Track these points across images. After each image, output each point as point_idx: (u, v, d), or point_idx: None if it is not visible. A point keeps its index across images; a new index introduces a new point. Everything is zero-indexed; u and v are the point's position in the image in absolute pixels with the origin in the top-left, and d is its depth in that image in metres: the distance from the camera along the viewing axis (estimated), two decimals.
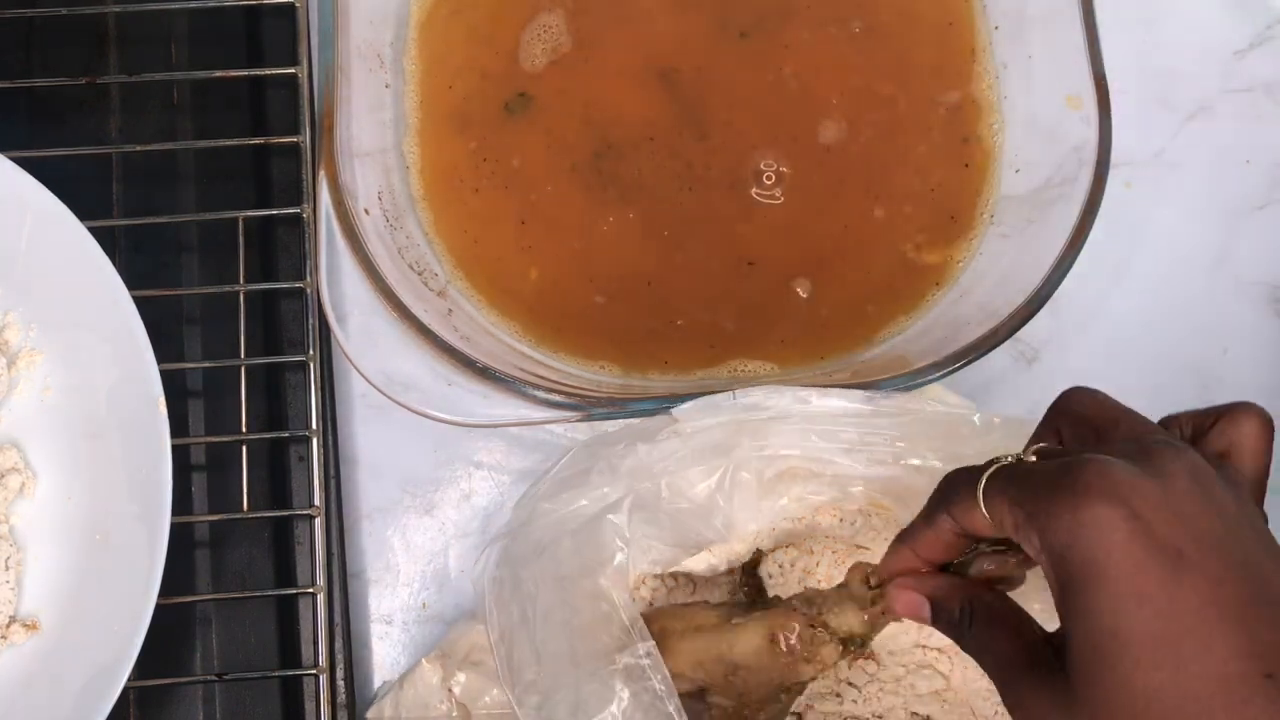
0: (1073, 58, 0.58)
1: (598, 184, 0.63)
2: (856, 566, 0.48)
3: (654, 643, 0.47)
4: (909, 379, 0.54)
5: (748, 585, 0.54)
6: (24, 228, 0.57)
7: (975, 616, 0.42)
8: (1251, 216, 0.67)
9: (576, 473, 0.52)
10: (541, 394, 0.54)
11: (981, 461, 0.41)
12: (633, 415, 0.54)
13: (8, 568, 0.55)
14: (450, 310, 0.59)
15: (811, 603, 0.48)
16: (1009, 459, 0.41)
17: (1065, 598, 0.37)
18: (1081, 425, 0.42)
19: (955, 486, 0.42)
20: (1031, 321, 0.55)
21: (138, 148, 0.63)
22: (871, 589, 0.47)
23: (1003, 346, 0.55)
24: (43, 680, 0.54)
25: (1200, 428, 0.42)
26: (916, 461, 0.51)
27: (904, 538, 0.45)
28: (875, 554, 0.52)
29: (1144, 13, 0.69)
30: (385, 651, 0.60)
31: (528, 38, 0.65)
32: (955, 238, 0.62)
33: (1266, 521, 0.40)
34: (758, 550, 0.55)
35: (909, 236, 0.63)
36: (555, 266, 0.62)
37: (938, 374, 0.54)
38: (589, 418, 0.55)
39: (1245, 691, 0.34)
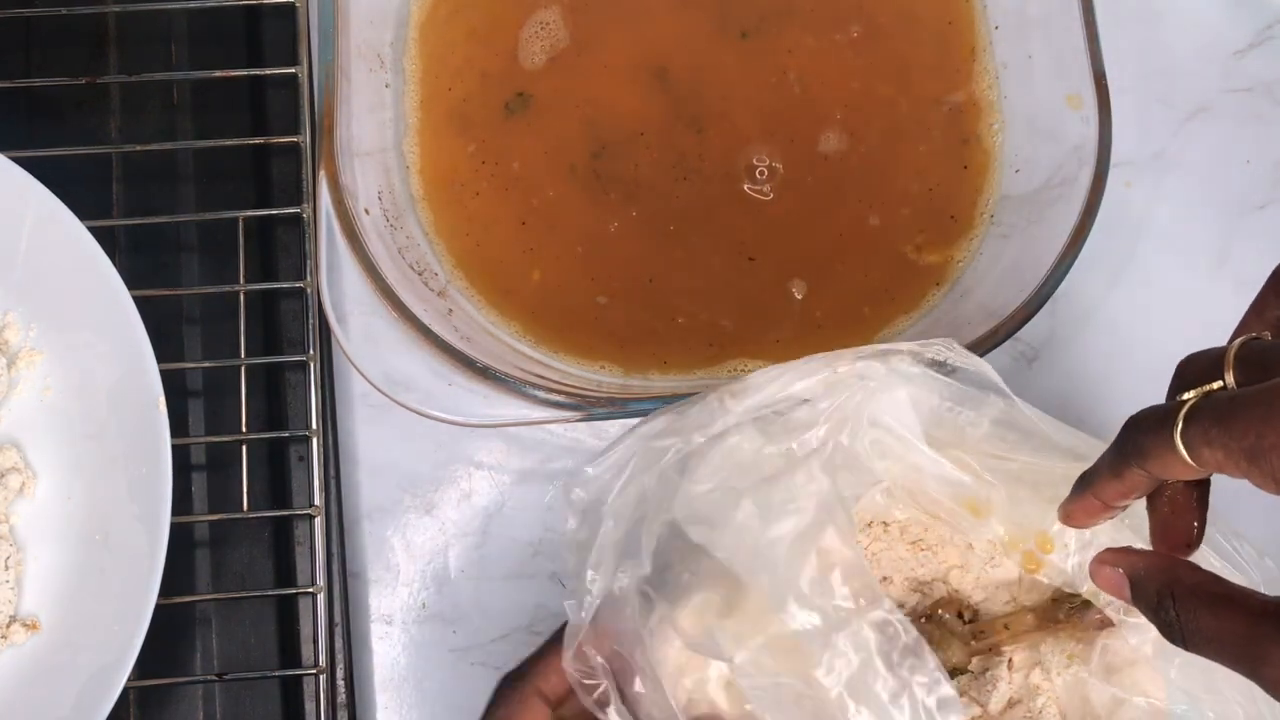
0: (1073, 57, 0.58)
1: (597, 184, 0.63)
2: (950, 601, 0.51)
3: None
4: None
5: None
6: (24, 228, 0.57)
7: (1180, 602, 0.36)
8: (1251, 216, 0.67)
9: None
10: (541, 394, 0.54)
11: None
12: (632, 415, 0.54)
13: (8, 568, 0.55)
14: (450, 310, 0.59)
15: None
16: (1202, 392, 0.36)
17: None
18: None
19: (1145, 433, 0.37)
20: (1031, 321, 0.55)
21: (138, 148, 0.63)
22: (966, 624, 0.50)
23: (1003, 346, 0.55)
24: (43, 680, 0.54)
25: None
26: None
27: (1086, 483, 0.41)
28: (893, 591, 0.52)
29: (1144, 13, 0.69)
30: (385, 651, 0.60)
31: (526, 36, 0.65)
32: (955, 238, 0.62)
33: None
34: None
35: (909, 237, 0.62)
36: (558, 268, 0.62)
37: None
38: (589, 418, 0.55)
39: None
